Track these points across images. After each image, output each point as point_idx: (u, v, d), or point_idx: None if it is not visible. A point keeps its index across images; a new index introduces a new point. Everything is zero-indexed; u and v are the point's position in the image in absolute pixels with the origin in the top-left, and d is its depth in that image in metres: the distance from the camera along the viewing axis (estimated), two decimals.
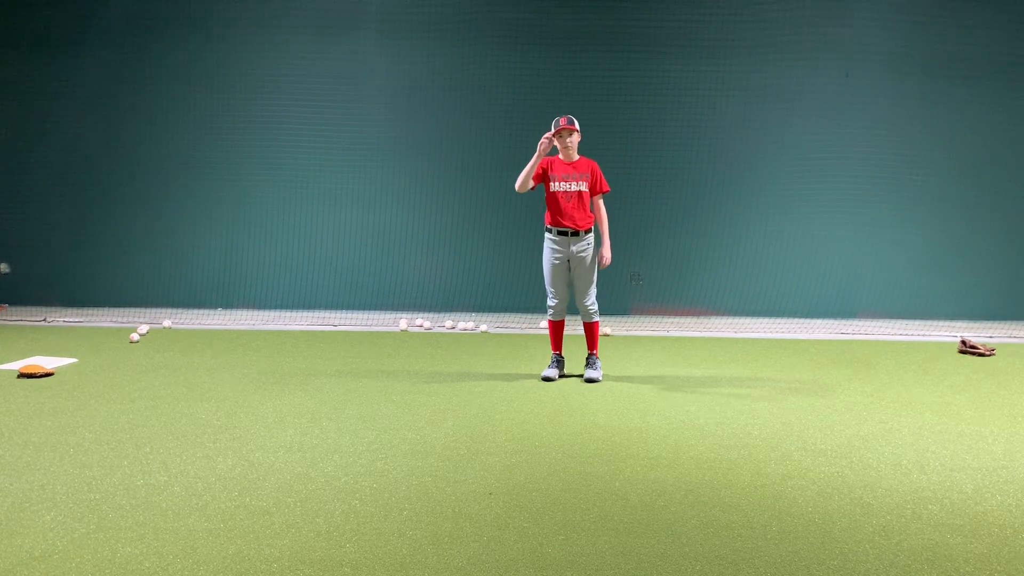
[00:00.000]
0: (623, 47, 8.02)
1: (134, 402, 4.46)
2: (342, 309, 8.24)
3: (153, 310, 8.08)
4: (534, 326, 7.50)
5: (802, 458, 3.53)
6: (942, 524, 2.79)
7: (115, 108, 8.26)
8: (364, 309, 8.23)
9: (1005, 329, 7.64)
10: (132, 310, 8.07)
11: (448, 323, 7.62)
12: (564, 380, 5.17)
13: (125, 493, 3.01)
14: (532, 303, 7.67)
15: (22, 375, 5.08)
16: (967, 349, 6.38)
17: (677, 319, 8.01)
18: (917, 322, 7.96)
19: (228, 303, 8.33)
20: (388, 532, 2.67)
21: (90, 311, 8.10)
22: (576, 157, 5.08)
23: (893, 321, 7.99)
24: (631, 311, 8.25)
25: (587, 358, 5.25)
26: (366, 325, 7.61)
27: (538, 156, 4.90)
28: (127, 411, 4.26)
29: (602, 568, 2.42)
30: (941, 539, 2.66)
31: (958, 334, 7.13)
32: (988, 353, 6.30)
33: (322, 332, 7.22)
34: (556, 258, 5.09)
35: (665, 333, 7.39)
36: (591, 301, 5.15)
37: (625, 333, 7.34)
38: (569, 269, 5.11)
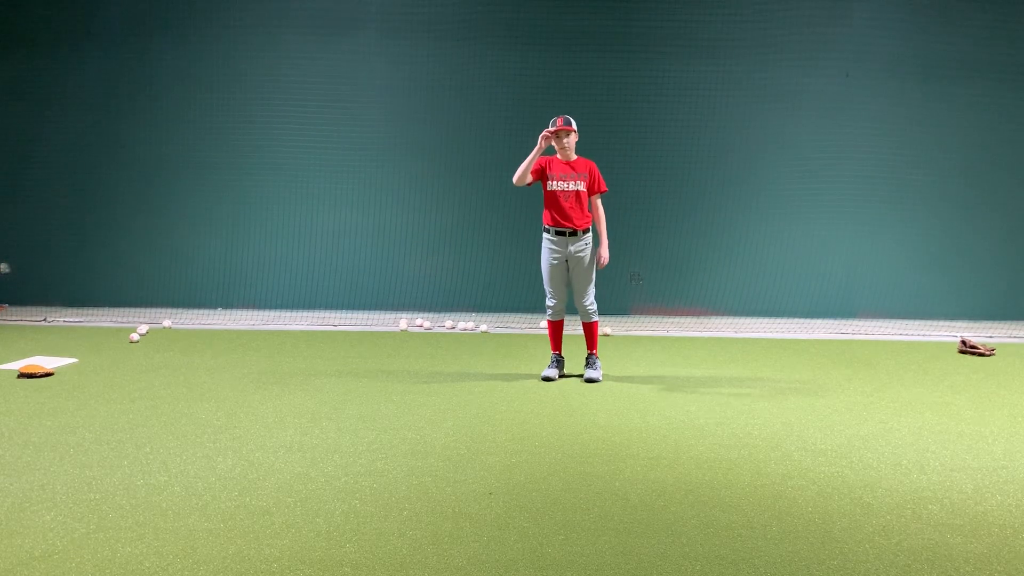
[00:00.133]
0: (623, 47, 8.02)
1: (134, 402, 4.46)
2: (342, 309, 8.24)
3: (153, 310, 8.08)
4: (534, 326, 7.50)
5: (802, 458, 3.53)
6: (942, 524, 2.79)
7: (115, 108, 8.26)
8: (364, 309, 8.23)
9: (1005, 329, 7.64)
10: (132, 310, 8.07)
11: (448, 323, 7.63)
12: (564, 380, 5.17)
13: (125, 493, 3.01)
14: (532, 303, 7.67)
15: (22, 375, 5.08)
16: (967, 349, 6.38)
17: (677, 319, 8.01)
18: (917, 322, 7.96)
19: (228, 303, 8.32)
20: (388, 532, 2.67)
21: (90, 311, 8.10)
22: (574, 157, 5.08)
23: (893, 321, 7.99)
24: (631, 311, 8.25)
25: (587, 358, 5.25)
26: (366, 325, 7.61)
27: (538, 150, 4.90)
28: (127, 411, 4.26)
29: (602, 568, 2.42)
30: (941, 539, 2.66)
31: (958, 334, 7.14)
32: (988, 353, 6.30)
33: (322, 332, 7.22)
34: (554, 258, 5.09)
35: (665, 333, 7.39)
36: (590, 301, 5.14)
37: (625, 333, 7.34)
38: (567, 269, 5.11)
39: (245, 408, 4.34)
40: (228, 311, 8.17)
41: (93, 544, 2.55)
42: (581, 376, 5.23)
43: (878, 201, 8.15)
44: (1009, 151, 8.15)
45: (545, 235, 5.12)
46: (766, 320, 7.92)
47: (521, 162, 4.96)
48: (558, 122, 4.97)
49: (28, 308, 8.24)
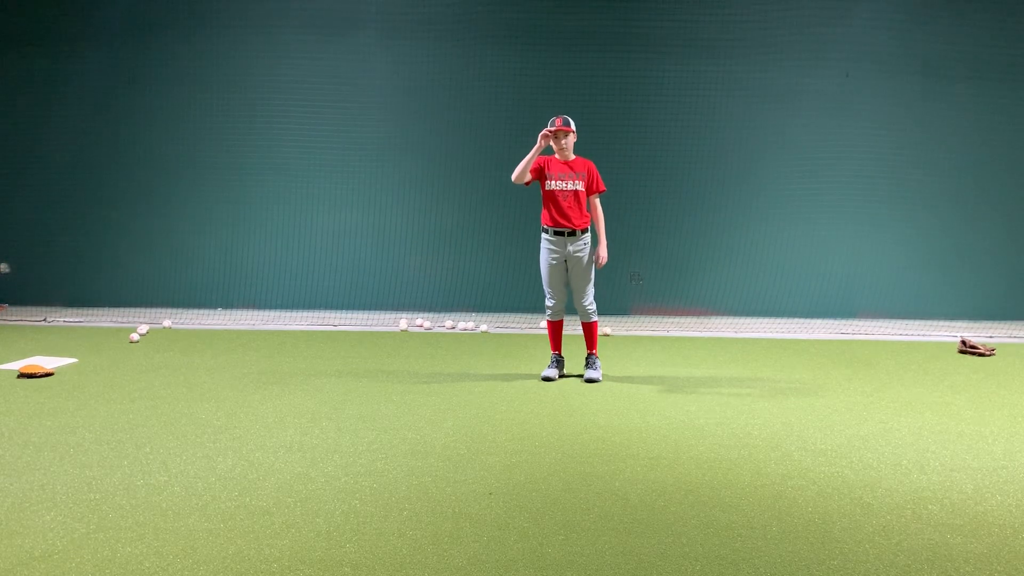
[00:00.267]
0: (623, 47, 8.02)
1: (134, 402, 4.46)
2: (342, 309, 8.24)
3: (153, 310, 8.08)
4: (534, 326, 7.50)
5: (802, 458, 3.53)
6: (942, 524, 2.79)
7: (115, 108, 8.26)
8: (364, 309, 8.23)
9: (1005, 329, 7.64)
10: (132, 310, 8.07)
11: (448, 323, 7.63)
12: (564, 380, 5.17)
13: (125, 493, 3.01)
14: (532, 303, 7.66)
15: (22, 375, 5.08)
16: (967, 349, 6.38)
17: (677, 319, 8.01)
18: (917, 322, 7.96)
19: (228, 303, 8.32)
20: (388, 532, 2.67)
21: (90, 311, 8.10)
22: (572, 157, 5.08)
23: (893, 321, 7.99)
24: (631, 311, 8.25)
25: (587, 358, 5.25)
26: (366, 325, 7.61)
27: (537, 149, 4.90)
28: (127, 411, 4.26)
29: (602, 568, 2.42)
30: (941, 539, 2.66)
31: (958, 334, 7.13)
32: (988, 353, 6.30)
33: (322, 332, 7.22)
34: (553, 258, 5.08)
35: (665, 333, 7.39)
36: (589, 301, 5.14)
37: (625, 333, 7.34)
38: (566, 269, 5.11)
39: (245, 408, 4.34)
40: (228, 311, 8.17)
41: (93, 544, 2.55)
42: (581, 376, 5.23)
43: (878, 201, 8.15)
44: (1009, 151, 8.15)
45: (544, 235, 5.12)
46: (766, 320, 7.92)
47: (520, 160, 4.97)
48: (557, 122, 4.97)
49: (28, 308, 8.24)
